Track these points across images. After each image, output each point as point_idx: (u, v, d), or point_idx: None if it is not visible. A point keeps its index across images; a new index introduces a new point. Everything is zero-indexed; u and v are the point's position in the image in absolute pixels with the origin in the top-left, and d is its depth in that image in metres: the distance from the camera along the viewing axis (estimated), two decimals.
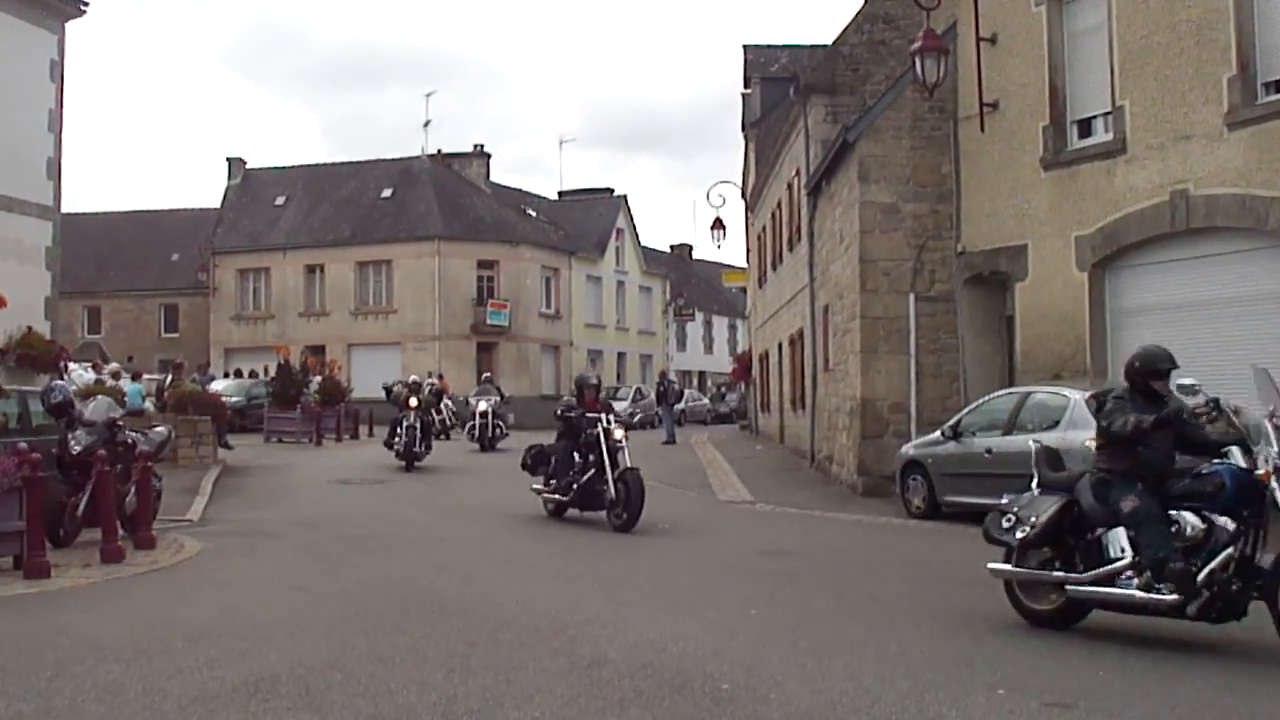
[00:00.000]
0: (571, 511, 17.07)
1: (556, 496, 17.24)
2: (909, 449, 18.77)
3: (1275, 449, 8.24)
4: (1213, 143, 16.05)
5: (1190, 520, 8.53)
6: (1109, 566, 8.91)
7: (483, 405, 32.79)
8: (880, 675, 7.60)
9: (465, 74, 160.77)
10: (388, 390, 30.27)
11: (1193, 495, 8.63)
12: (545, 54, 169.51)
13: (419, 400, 26.86)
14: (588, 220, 63.47)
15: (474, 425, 32.84)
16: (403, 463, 25.94)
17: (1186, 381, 9.73)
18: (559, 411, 17.80)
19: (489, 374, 41.77)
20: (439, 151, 58.88)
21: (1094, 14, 18.12)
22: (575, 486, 16.84)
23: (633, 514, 15.97)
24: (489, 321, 53.31)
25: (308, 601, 10.80)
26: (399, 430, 26.44)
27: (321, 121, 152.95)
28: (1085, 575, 9.04)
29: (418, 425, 26.34)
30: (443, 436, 34.10)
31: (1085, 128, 18.55)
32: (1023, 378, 18.89)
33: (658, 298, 69.72)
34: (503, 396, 35.30)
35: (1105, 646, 8.45)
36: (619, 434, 16.75)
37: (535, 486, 17.90)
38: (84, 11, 25.31)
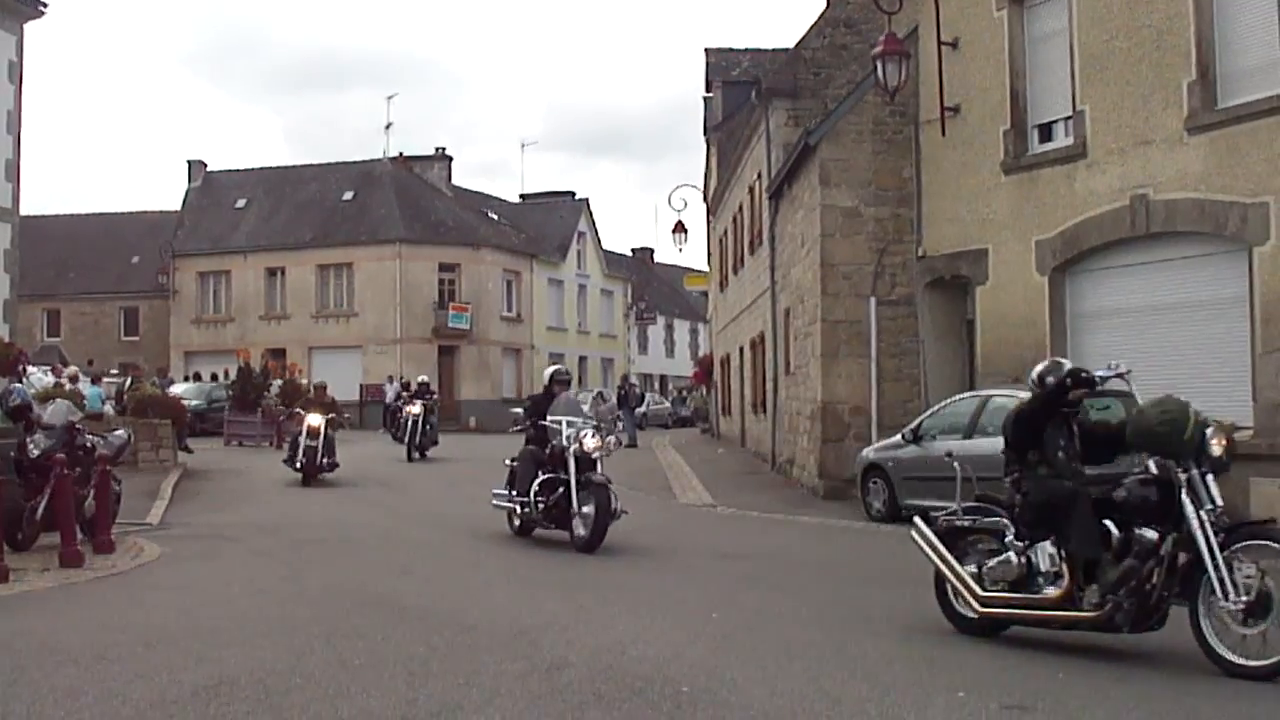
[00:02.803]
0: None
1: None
2: (870, 452, 18.80)
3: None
4: (1173, 147, 16.16)
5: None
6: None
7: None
8: (840, 678, 7.61)
9: (428, 77, 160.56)
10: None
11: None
12: (508, 58, 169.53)
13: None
14: (549, 223, 63.38)
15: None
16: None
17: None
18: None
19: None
20: (400, 154, 58.68)
21: (1055, 19, 18.23)
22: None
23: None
24: (450, 325, 53.11)
25: (267, 605, 10.73)
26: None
27: (283, 124, 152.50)
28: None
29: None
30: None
31: (1046, 132, 18.65)
32: (983, 381, 18.96)
33: (619, 301, 69.72)
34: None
35: (1068, 650, 8.49)
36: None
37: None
38: (43, 12, 25.17)
